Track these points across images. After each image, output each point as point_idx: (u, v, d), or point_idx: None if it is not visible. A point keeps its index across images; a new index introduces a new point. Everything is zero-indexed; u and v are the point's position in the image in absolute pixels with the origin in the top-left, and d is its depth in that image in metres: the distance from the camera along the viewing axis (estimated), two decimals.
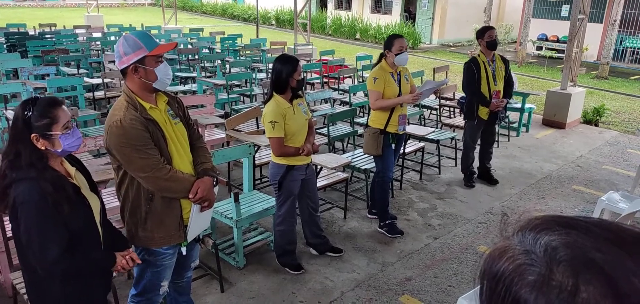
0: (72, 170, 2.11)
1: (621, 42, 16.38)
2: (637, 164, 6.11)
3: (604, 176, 6.29)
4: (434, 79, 7.88)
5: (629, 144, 7.72)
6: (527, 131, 8.00)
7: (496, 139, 5.92)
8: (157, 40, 2.49)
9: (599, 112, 8.77)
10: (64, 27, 14.26)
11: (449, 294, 3.72)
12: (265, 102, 3.65)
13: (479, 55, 5.30)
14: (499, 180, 5.87)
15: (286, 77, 3.50)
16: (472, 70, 5.25)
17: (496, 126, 5.75)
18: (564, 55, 15.57)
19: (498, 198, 5.45)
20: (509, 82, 5.49)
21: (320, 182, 4.56)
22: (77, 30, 12.92)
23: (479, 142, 5.76)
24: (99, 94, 7.43)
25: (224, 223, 4.06)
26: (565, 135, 7.99)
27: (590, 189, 5.85)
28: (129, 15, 25.31)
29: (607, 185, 5.93)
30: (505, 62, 5.45)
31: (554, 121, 8.38)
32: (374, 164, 4.63)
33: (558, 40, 17.12)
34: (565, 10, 17.50)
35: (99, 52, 10.66)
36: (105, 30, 13.72)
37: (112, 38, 12.17)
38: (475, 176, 5.82)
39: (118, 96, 8.04)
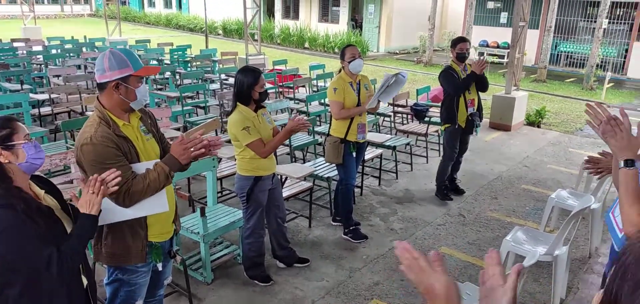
0: (40, 192, 2.01)
1: (556, 46, 17.37)
2: (578, 162, 6.51)
3: (549, 174, 6.65)
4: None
5: (569, 143, 8.19)
6: (476, 134, 8.30)
7: (467, 148, 5.79)
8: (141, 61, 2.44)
9: (541, 114, 9.26)
10: (0, 40, 13.52)
11: (417, 297, 3.82)
12: (228, 114, 3.64)
13: (451, 64, 5.31)
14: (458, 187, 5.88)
15: (248, 89, 3.50)
16: (452, 75, 5.20)
17: (473, 134, 5.62)
18: (504, 60, 16.43)
19: (454, 200, 5.64)
20: (482, 79, 5.33)
21: (285, 193, 4.57)
22: (16, 44, 12.28)
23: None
24: (45, 110, 7.11)
25: (189, 238, 3.98)
26: (511, 137, 8.38)
27: (538, 187, 6.17)
28: (69, 27, 24.33)
29: (553, 183, 6.28)
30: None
31: (500, 124, 8.77)
32: (336, 172, 4.70)
33: (498, 46, 17.92)
34: (503, 17, 18.37)
35: (42, 66, 10.19)
36: (46, 43, 13.10)
37: (54, 51, 11.66)
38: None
39: (65, 112, 7.68)
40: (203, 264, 3.85)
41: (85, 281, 2.12)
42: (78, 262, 2.02)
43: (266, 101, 8.23)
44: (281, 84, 9.34)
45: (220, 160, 5.12)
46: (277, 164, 4.60)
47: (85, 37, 14.25)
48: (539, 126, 9.18)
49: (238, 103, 3.55)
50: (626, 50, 16.14)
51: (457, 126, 5.32)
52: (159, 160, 2.44)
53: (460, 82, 5.18)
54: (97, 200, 2.01)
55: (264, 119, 3.66)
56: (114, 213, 2.35)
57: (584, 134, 8.83)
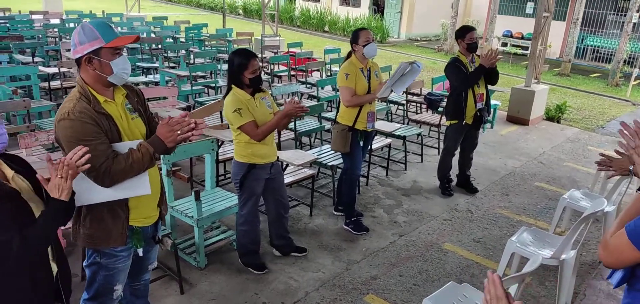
0: (10, 173, 1.92)
1: (583, 40, 16.82)
2: (597, 160, 6.25)
3: (565, 172, 6.41)
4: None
5: (589, 141, 7.90)
6: (492, 128, 8.10)
7: (477, 144, 5.52)
8: (118, 30, 2.32)
9: (561, 109, 8.96)
10: (20, 12, 13.62)
11: (414, 293, 3.69)
12: (224, 97, 3.53)
13: (458, 56, 5.07)
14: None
15: (238, 71, 3.38)
16: (459, 68, 4.97)
17: (481, 129, 5.45)
18: (528, 52, 15.94)
19: (462, 195, 5.47)
20: (493, 72, 5.07)
21: (287, 179, 4.46)
22: (34, 16, 12.36)
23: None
24: (55, 84, 7.10)
25: (184, 222, 3.91)
26: (528, 131, 8.12)
27: (552, 186, 5.94)
28: (90, 2, 24.46)
29: (568, 182, 6.04)
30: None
31: (518, 118, 8.51)
32: (341, 160, 4.56)
33: (523, 37, 17.45)
34: (530, 7, 17.85)
35: (57, 40, 10.22)
36: (64, 16, 13.16)
37: (71, 25, 11.70)
38: (453, 183, 5.59)
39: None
40: (196, 248, 3.77)
41: (55, 269, 2.03)
42: (43, 248, 1.92)
43: (276, 84, 8.15)
44: (294, 67, 9.19)
45: (221, 143, 5.02)
46: (280, 149, 4.51)
47: (103, 12, 14.27)
48: (558, 122, 8.88)
49: (233, 85, 3.43)
50: None
51: (464, 123, 5.10)
52: (143, 140, 2.34)
53: (469, 75, 4.94)
54: (66, 184, 1.88)
55: (263, 102, 3.53)
56: (92, 193, 2.26)
57: (605, 132, 8.52)
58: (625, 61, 13.79)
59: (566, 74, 14.06)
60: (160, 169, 2.87)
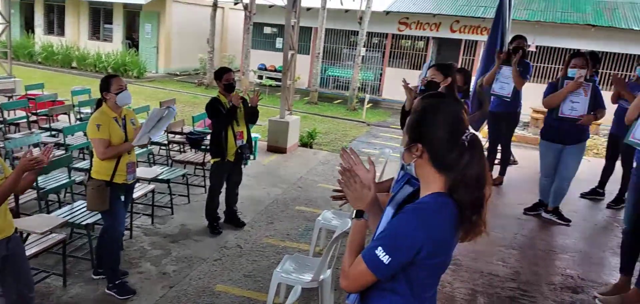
0: None
1: (325, 71, 19.07)
2: None
3: (320, 193, 7.12)
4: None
5: (337, 162, 8.94)
6: (254, 158, 8.50)
7: (241, 179, 5.74)
8: None
9: (312, 135, 9.95)
10: None
11: None
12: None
13: (217, 96, 5.21)
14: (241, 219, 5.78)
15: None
16: (218, 108, 5.11)
17: (242, 165, 5.60)
18: (281, 83, 17.34)
19: (231, 231, 5.57)
20: (252, 111, 5.35)
21: (30, 250, 3.85)
22: None
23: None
24: None
25: None
26: (287, 159, 8.78)
27: (310, 207, 6.53)
28: None
29: (323, 202, 6.71)
30: (245, 102, 5.41)
31: (277, 147, 9.12)
32: (100, 216, 4.17)
33: (276, 70, 18.85)
34: (279, 42, 19.42)
35: None
36: None
37: None
38: (221, 221, 5.64)
39: None
40: None
41: None
42: None
43: (11, 135, 7.05)
44: (35, 111, 8.09)
45: None
46: (18, 217, 3.90)
47: None
48: (311, 147, 9.83)
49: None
50: (381, 75, 18.62)
51: (226, 160, 5.27)
52: None
53: (226, 114, 5.14)
54: None
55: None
56: None
57: None
58: (359, 88, 16.18)
59: (314, 102, 15.72)
60: None
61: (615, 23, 15.25)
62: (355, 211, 1.85)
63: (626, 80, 7.29)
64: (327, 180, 7.79)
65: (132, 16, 20.89)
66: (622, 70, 15.27)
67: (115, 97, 3.91)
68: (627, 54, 15.32)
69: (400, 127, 4.30)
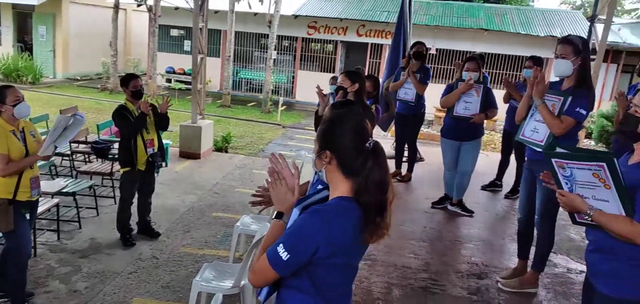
0: None
1: (237, 73, 18.90)
2: (261, 183, 7.14)
3: (237, 198, 7.09)
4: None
5: (253, 165, 8.96)
6: (166, 166, 8.25)
7: (154, 188, 5.59)
8: None
9: (226, 139, 9.86)
10: None
11: None
12: None
13: (125, 103, 5.07)
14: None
15: None
16: (126, 116, 4.97)
17: (155, 174, 5.48)
18: (191, 86, 16.92)
19: (145, 242, 5.41)
20: (163, 118, 5.35)
21: None
22: None
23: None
24: None
25: None
26: (201, 165, 8.63)
27: (228, 213, 6.49)
28: None
29: (241, 207, 6.70)
30: (154, 108, 5.31)
31: (190, 152, 8.93)
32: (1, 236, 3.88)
33: (185, 73, 18.36)
34: (187, 45, 18.95)
35: None
36: None
37: None
38: (134, 232, 5.44)
39: None
40: None
41: None
42: None
43: None
44: None
45: None
46: None
47: None
48: (226, 151, 9.74)
49: None
50: (293, 77, 18.82)
51: (136, 170, 5.13)
52: None
53: (135, 122, 5.01)
54: None
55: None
56: None
57: (265, 155, 9.81)
58: (272, 91, 16.24)
59: (227, 105, 15.55)
60: None
61: (504, 27, 16.71)
62: (275, 212, 1.94)
63: (515, 81, 8.01)
64: (245, 184, 7.78)
65: (24, 17, 19.33)
66: (512, 71, 16.73)
67: (12, 109, 3.68)
68: (516, 56, 16.80)
69: (314, 129, 4.45)
